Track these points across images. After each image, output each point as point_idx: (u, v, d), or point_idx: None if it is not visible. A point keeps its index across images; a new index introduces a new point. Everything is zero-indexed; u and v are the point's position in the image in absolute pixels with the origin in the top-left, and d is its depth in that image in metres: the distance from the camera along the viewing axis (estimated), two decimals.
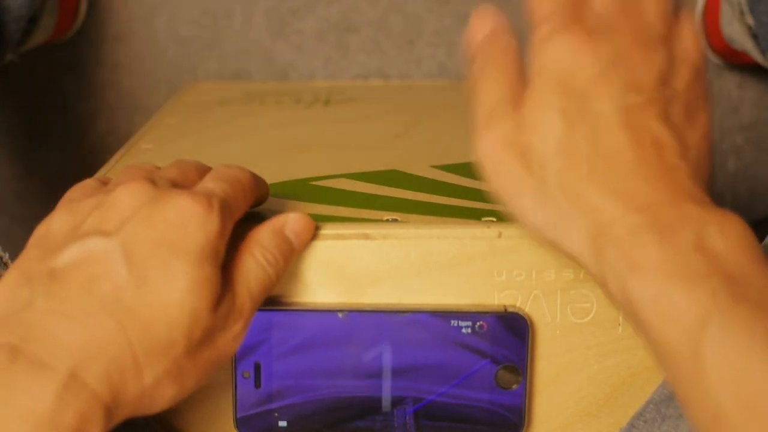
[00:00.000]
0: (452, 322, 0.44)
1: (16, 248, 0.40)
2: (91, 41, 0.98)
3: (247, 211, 0.42)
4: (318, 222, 0.44)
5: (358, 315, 0.44)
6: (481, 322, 0.44)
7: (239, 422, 0.45)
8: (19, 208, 1.02)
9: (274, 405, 0.45)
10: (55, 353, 0.33)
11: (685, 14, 0.40)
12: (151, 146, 0.61)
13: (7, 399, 0.32)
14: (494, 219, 0.45)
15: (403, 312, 0.44)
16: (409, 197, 0.49)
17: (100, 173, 0.54)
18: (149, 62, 0.99)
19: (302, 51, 0.99)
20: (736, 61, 0.95)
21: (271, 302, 0.44)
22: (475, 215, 0.46)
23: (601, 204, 0.36)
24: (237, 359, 0.45)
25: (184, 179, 0.41)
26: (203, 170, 0.43)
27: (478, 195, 0.49)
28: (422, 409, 0.45)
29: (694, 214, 0.34)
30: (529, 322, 0.44)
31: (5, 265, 0.49)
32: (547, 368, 0.46)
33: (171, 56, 0.99)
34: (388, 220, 0.46)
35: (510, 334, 0.44)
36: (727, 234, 0.34)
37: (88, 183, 0.41)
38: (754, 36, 0.80)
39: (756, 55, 0.82)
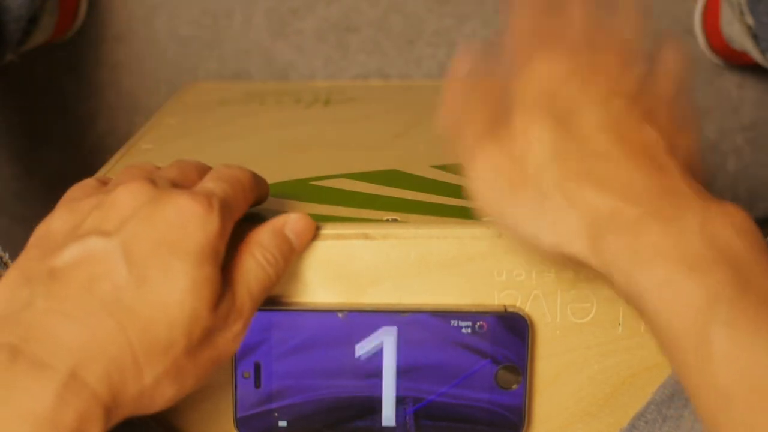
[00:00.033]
0: (452, 322, 0.44)
1: (16, 248, 0.40)
2: (91, 41, 0.98)
3: (247, 211, 0.42)
4: (318, 222, 0.44)
5: (358, 315, 0.44)
6: (481, 322, 0.44)
7: (239, 422, 0.45)
8: (19, 208, 1.02)
9: (274, 405, 0.45)
10: (55, 353, 0.33)
11: (671, 34, 0.41)
12: (151, 146, 0.61)
13: (7, 399, 0.32)
14: None
15: (403, 312, 0.44)
16: (409, 197, 0.49)
17: (100, 173, 0.54)
18: (149, 62, 0.99)
19: (302, 51, 0.99)
20: (736, 61, 0.95)
21: (271, 302, 0.44)
22: (475, 215, 0.46)
23: (601, 199, 0.36)
24: (237, 359, 0.45)
25: (184, 179, 0.41)
26: (203, 170, 0.43)
27: None
28: (422, 409, 0.45)
29: (694, 204, 0.35)
30: (529, 322, 0.44)
31: (5, 265, 0.49)
32: (547, 368, 0.46)
33: (171, 56, 0.99)
34: (388, 220, 0.46)
35: (510, 334, 0.44)
36: (729, 222, 0.34)
37: (88, 183, 0.41)
38: (754, 36, 0.80)
39: (756, 55, 0.82)
